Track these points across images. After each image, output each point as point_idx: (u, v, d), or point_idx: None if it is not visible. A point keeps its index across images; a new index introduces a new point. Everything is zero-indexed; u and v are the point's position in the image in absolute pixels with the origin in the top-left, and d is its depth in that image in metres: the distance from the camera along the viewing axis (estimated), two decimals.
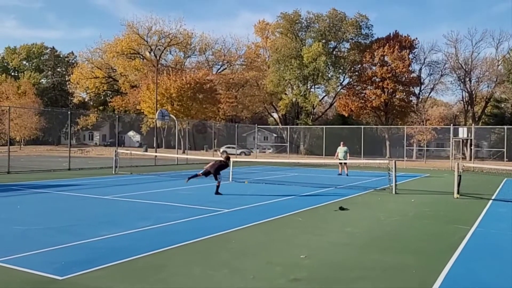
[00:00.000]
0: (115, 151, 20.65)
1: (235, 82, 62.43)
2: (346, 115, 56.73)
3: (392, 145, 52.51)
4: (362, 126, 34.88)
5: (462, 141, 31.61)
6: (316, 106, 60.60)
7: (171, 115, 31.40)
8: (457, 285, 5.08)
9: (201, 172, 13.05)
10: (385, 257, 6.23)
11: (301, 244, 6.91)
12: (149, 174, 20.56)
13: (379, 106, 53.89)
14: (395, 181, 14.04)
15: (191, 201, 11.32)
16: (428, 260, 6.05)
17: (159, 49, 50.30)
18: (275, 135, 69.99)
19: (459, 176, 13.30)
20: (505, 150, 28.15)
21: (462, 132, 27.77)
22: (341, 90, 58.62)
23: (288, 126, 50.15)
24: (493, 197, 13.44)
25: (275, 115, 72.37)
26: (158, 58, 49.03)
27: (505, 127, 31.92)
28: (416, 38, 54.03)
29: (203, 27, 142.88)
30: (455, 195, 13.16)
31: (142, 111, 50.46)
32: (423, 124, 42.35)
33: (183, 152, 48.33)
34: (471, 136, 28.08)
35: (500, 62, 58.66)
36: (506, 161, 48.60)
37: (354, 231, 8.07)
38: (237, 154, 50.58)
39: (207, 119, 52.99)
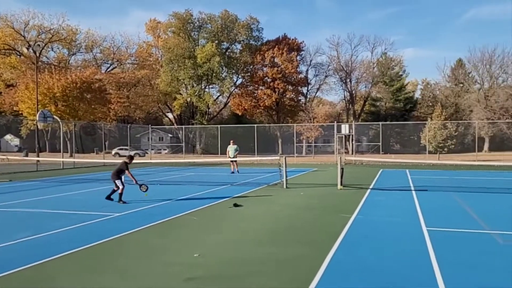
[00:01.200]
0: None
1: (126, 82, 59.95)
2: (240, 114, 58.01)
3: (284, 142, 55.02)
4: (255, 125, 35.86)
5: (345, 136, 34.27)
6: (211, 106, 60.91)
7: (55, 117, 29.00)
8: (341, 268, 5.54)
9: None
10: (278, 249, 6.53)
11: (196, 243, 6.93)
12: (32, 180, 18.81)
13: (271, 106, 56.04)
14: (286, 176, 14.76)
15: (79, 207, 10.63)
16: (317, 249, 6.49)
17: (38, 45, 46.04)
18: (170, 135, 68.79)
19: (342, 169, 14.45)
20: (380, 144, 31.16)
21: (345, 129, 30.19)
22: (235, 90, 59.71)
23: (183, 126, 49.67)
24: (371, 187, 14.83)
25: (170, 115, 71.15)
26: (38, 55, 44.87)
27: (380, 123, 35.38)
28: (303, 41, 57.41)
29: (91, 24, 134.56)
30: (339, 186, 14.28)
31: (20, 112, 45.83)
32: (311, 122, 45.07)
33: (70, 156, 45.06)
34: (352, 132, 30.64)
35: (375, 65, 64.94)
36: (382, 153, 54.12)
37: (249, 226, 8.32)
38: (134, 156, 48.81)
39: (97, 120, 50.05)
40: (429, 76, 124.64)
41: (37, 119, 25.13)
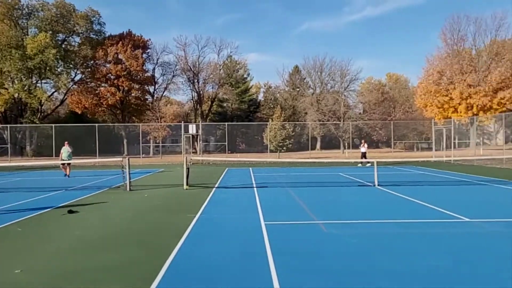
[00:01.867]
0: None
1: None
2: (79, 112, 53.61)
3: (130, 142, 52.75)
4: (97, 124, 33.56)
5: (193, 136, 34.47)
6: (44, 102, 54.81)
7: None
8: (180, 269, 5.41)
9: None
10: (115, 255, 6.11)
11: (20, 257, 6.05)
12: None
13: (115, 104, 53.14)
14: (129, 178, 14.08)
15: None
16: (157, 252, 6.25)
17: None
18: None
19: (188, 169, 14.41)
20: (226, 143, 32.19)
21: (192, 129, 30.33)
22: (73, 86, 54.89)
23: (9, 125, 43.66)
24: (216, 185, 15.13)
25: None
26: None
27: (226, 123, 36.60)
28: (150, 39, 55.75)
29: None
30: (185, 186, 14.21)
31: None
32: (158, 122, 44.18)
33: None
34: (199, 132, 30.97)
35: (221, 67, 67.00)
36: (229, 152, 56.14)
37: (84, 233, 7.62)
38: None
39: None
40: (271, 80, 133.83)
41: None
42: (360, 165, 25.56)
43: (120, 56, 51.03)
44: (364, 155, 26.21)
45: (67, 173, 19.99)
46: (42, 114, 55.34)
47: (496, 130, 64.30)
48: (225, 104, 72.14)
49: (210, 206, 10.58)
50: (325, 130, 59.00)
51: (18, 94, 49.58)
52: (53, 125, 38.15)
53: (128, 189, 13.88)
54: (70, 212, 9.84)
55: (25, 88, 48.92)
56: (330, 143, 64.09)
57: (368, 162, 24.77)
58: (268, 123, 37.40)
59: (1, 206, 11.01)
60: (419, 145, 58.04)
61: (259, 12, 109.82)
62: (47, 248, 6.65)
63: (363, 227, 8.03)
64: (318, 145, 64.43)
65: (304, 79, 71.35)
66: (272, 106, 68.41)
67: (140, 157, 30.48)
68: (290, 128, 36.26)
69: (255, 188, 14.14)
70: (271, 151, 36.10)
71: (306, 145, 59.03)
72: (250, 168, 24.09)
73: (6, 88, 49.64)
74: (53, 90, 56.89)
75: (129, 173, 14.13)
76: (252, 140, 66.75)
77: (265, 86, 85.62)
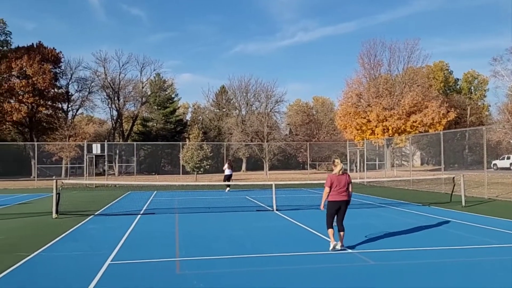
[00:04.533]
0: None
1: None
2: None
3: (40, 163, 48.28)
4: None
5: (99, 157, 31.84)
6: None
7: None
8: None
9: None
10: None
11: None
12: None
13: (21, 121, 48.60)
14: None
15: None
16: None
17: None
18: None
19: (58, 194, 12.43)
20: (134, 165, 30.03)
21: (96, 148, 27.92)
22: None
23: None
24: (96, 213, 13.24)
25: None
26: None
27: (135, 143, 34.58)
28: (61, 52, 51.87)
29: None
30: (54, 215, 12.21)
31: None
32: (67, 141, 40.84)
33: None
34: (105, 152, 28.60)
35: (145, 84, 64.48)
36: (152, 174, 53.44)
37: None
38: None
39: None
40: (200, 100, 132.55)
41: None
42: (228, 189, 22.24)
43: (26, 70, 46.74)
44: (228, 178, 23.02)
45: None
46: None
47: (413, 152, 67.69)
48: (149, 124, 69.33)
49: (63, 241, 8.82)
50: (250, 151, 58.39)
51: None
52: None
53: None
54: None
55: None
56: (256, 164, 63.52)
57: (228, 186, 22.09)
58: (185, 143, 35.73)
59: None
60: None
61: (192, 33, 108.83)
62: None
63: (229, 264, 6.74)
64: (243, 167, 63.59)
65: (231, 100, 70.79)
66: (201, 126, 66.89)
67: (35, 180, 27.39)
68: (208, 148, 34.81)
69: (138, 216, 12.47)
70: (187, 172, 34.34)
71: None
72: (155, 192, 22.25)
73: None
74: None
75: None
76: (177, 162, 64.56)
77: (193, 106, 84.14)
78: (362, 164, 35.57)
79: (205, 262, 6.93)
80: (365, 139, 40.10)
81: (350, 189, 7.59)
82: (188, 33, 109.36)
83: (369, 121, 45.59)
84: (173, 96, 70.41)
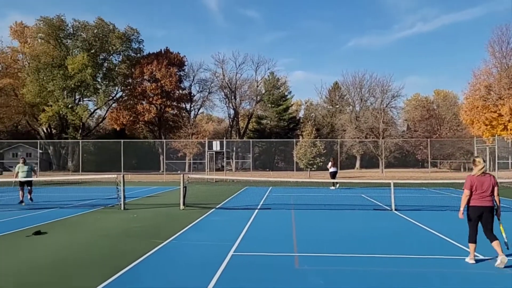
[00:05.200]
0: None
1: None
2: (118, 129, 54.66)
3: (168, 158, 52.92)
4: (122, 140, 33.57)
5: (218, 153, 33.71)
6: (86, 119, 56.56)
7: None
8: None
9: None
10: None
11: None
12: None
13: (151, 121, 53.80)
14: (124, 197, 13.34)
15: None
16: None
17: None
18: (40, 151, 62.41)
19: (185, 188, 13.49)
20: (250, 161, 31.17)
21: (215, 146, 29.62)
22: (114, 104, 56.31)
23: (51, 141, 45.08)
24: (217, 206, 14.07)
25: (44, 129, 64.60)
26: None
27: (251, 140, 35.68)
28: (185, 56, 56.16)
29: None
30: (181, 206, 13.28)
31: None
32: (190, 138, 44.04)
33: None
34: (223, 149, 30.19)
35: (259, 84, 66.59)
36: (266, 170, 55.02)
37: (17, 263, 6.76)
38: None
39: None
40: (313, 97, 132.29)
41: None
42: (332, 187, 22.44)
43: (156, 74, 51.67)
44: (333, 176, 22.77)
45: (29, 196, 15.25)
46: (85, 130, 57.04)
47: None
48: (264, 121, 71.39)
49: (190, 231, 9.56)
50: (364, 148, 56.68)
51: (61, 111, 51.32)
52: (90, 141, 38.67)
53: (122, 208, 13.14)
54: (38, 233, 9.13)
55: (69, 106, 50.60)
56: (370, 161, 61.45)
57: (336, 184, 22.35)
58: (299, 140, 36.06)
59: None
60: (466, 165, 54.26)
61: (305, 30, 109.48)
62: None
63: (347, 262, 6.67)
64: (357, 164, 61.98)
65: (344, 96, 69.43)
66: (314, 123, 66.91)
67: (163, 174, 30.09)
68: (321, 145, 34.66)
69: (256, 210, 12.96)
70: (300, 169, 34.63)
71: (345, 164, 56.96)
72: (270, 187, 22.86)
73: (50, 105, 51.50)
74: (95, 107, 58.73)
75: (124, 191, 13.38)
76: (290, 158, 65.48)
77: (306, 103, 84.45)
78: (492, 163, 32.19)
79: (323, 259, 6.93)
80: (495, 135, 36.18)
81: (495, 194, 6.46)
82: (301, 31, 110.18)
83: (500, 115, 40.95)
84: (286, 94, 71.52)
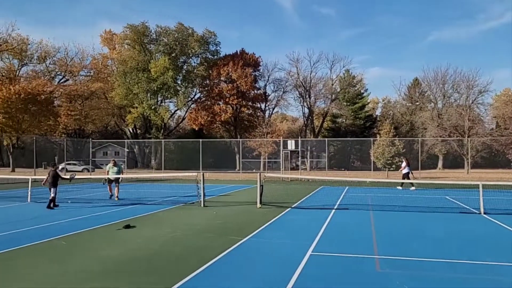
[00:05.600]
0: None
1: (78, 94, 57.87)
2: (196, 129, 56.86)
3: (243, 157, 54.13)
4: (200, 140, 34.82)
5: (292, 152, 33.69)
6: (167, 120, 59.55)
7: None
8: None
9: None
10: (112, 283, 5.61)
11: (28, 276, 5.89)
12: None
13: (228, 120, 55.25)
14: (204, 195, 13.86)
15: None
16: (157, 282, 5.61)
17: None
18: (127, 150, 66.86)
19: (261, 186, 13.69)
20: (325, 160, 30.74)
21: (290, 145, 29.68)
22: (192, 105, 58.69)
23: (136, 140, 48.12)
24: (293, 205, 14.11)
25: (131, 130, 69.28)
26: None
27: (326, 139, 35.27)
28: (260, 56, 56.98)
29: (57, 35, 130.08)
30: (258, 205, 13.51)
31: None
32: (264, 138, 44.54)
33: (12, 170, 42.69)
34: (298, 148, 30.13)
35: (334, 82, 65.48)
36: (342, 170, 54.06)
37: (112, 253, 7.34)
38: (79, 171, 46.70)
39: (44, 134, 47.92)
40: (391, 94, 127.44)
41: None
42: (413, 188, 21.45)
43: (232, 75, 53.02)
44: (406, 176, 21.77)
45: (116, 194, 16.14)
46: (167, 130, 60.11)
47: None
48: (339, 120, 70.16)
49: (268, 229, 9.71)
50: (447, 147, 53.42)
51: (145, 112, 54.58)
52: (171, 140, 40.67)
53: (202, 205, 13.68)
54: (127, 227, 9.82)
55: (152, 107, 53.68)
56: (454, 161, 57.81)
57: (402, 184, 21.51)
58: (376, 139, 34.96)
59: (76, 217, 11.56)
60: None
61: (382, 25, 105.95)
62: (62, 268, 6.43)
63: (433, 267, 6.37)
64: (439, 164, 58.60)
65: (425, 92, 65.98)
66: (392, 122, 64.50)
67: (239, 172, 30.80)
68: (400, 144, 33.27)
69: (333, 210, 12.81)
70: (378, 169, 33.53)
71: (427, 163, 54.11)
72: (346, 187, 22.42)
73: (135, 107, 55.03)
74: (175, 108, 61.65)
75: (204, 189, 13.92)
76: (367, 158, 63.63)
77: (383, 100, 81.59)
78: None
79: (407, 263, 6.68)
80: None
81: None
82: (378, 26, 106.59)
83: None
84: (362, 91, 69.66)
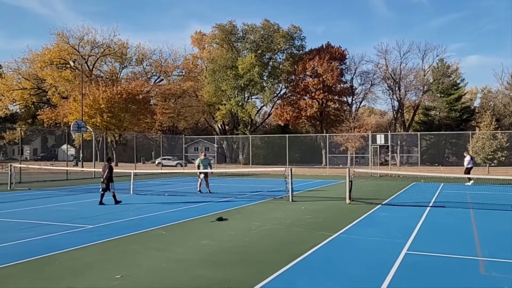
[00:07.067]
0: (10, 166, 19.28)
1: (172, 93, 61.38)
2: (282, 124, 57.26)
3: (330, 152, 53.46)
4: (287, 135, 35.00)
5: (381, 147, 32.48)
6: (254, 116, 60.76)
7: (88, 127, 30.13)
8: None
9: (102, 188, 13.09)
10: (212, 272, 5.91)
11: (134, 262, 6.43)
12: (49, 189, 19.22)
13: (313, 115, 54.85)
14: (292, 189, 13.97)
15: (61, 218, 10.50)
16: (256, 273, 5.79)
17: (84, 58, 48.02)
18: (216, 146, 69.54)
19: (351, 182, 13.44)
20: (418, 155, 29.22)
21: (379, 139, 28.65)
22: (278, 101, 59.22)
23: (223, 136, 49.83)
24: (384, 202, 13.66)
25: (218, 126, 72.02)
26: (82, 67, 47.22)
27: (418, 133, 33.45)
28: (346, 49, 55.64)
29: (152, 38, 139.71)
30: (347, 201, 13.29)
31: (70, 123, 48.24)
32: (351, 132, 43.50)
33: (115, 165, 46.61)
34: (388, 143, 28.97)
35: (427, 72, 61.79)
36: (435, 165, 51.00)
37: (208, 243, 7.72)
38: (173, 166, 49.66)
39: (143, 131, 51.64)
40: (489, 83, 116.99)
41: (71, 129, 26.12)
42: (470, 182, 20.74)
43: (317, 70, 52.50)
44: (468, 171, 21.14)
45: (208, 188, 16.72)
46: (253, 126, 61.42)
47: None
48: (432, 113, 66.13)
49: (359, 225, 9.52)
50: None
51: (233, 109, 56.26)
52: (257, 135, 41.51)
53: (290, 200, 13.81)
54: (220, 219, 10.25)
55: (239, 104, 55.19)
56: None
57: (470, 180, 20.59)
58: (475, 132, 32.41)
59: (174, 208, 12.32)
60: None
61: (480, 10, 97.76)
62: (164, 255, 6.87)
63: None
64: None
65: None
66: (493, 113, 59.36)
67: (326, 168, 30.46)
68: (503, 138, 30.48)
69: (428, 208, 12.16)
70: (477, 164, 31.04)
71: None
72: (442, 184, 21.10)
73: (224, 104, 56.96)
74: (262, 104, 62.68)
75: (292, 184, 14.01)
76: (463, 152, 59.06)
77: (482, 91, 75.28)
78: None
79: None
80: None
81: None
82: (475, 11, 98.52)
83: None
84: (458, 81, 64.78)
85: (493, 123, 34.14)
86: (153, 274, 5.81)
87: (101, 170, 13.77)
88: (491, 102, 67.94)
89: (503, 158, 30.02)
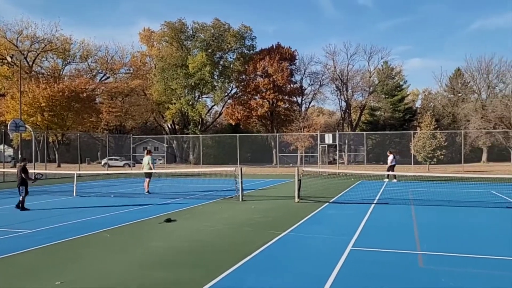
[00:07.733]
0: None
1: (119, 91, 59.57)
2: (233, 123, 57.29)
3: (280, 152, 54.06)
4: (238, 135, 35.05)
5: (330, 146, 33.38)
6: (204, 115, 60.31)
7: (27, 126, 28.61)
8: None
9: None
10: (160, 274, 5.78)
11: (74, 267, 6.16)
12: None
13: (264, 115, 55.31)
14: (242, 189, 13.99)
15: None
16: (204, 273, 5.73)
17: (22, 54, 45.34)
18: (166, 145, 68.31)
19: (299, 181, 13.66)
20: (364, 154, 30.27)
21: (328, 138, 29.39)
22: (229, 100, 59.15)
23: (174, 136, 49.08)
24: (332, 200, 14.01)
25: (169, 125, 70.75)
26: (21, 63, 44.72)
27: (364, 133, 34.60)
28: (296, 50, 56.58)
29: (97, 34, 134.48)
30: (296, 199, 13.50)
31: (7, 122, 45.46)
32: (301, 132, 44.33)
33: (58, 166, 44.61)
34: (336, 142, 29.80)
35: (372, 74, 64.15)
36: (380, 164, 53.02)
37: (157, 245, 7.57)
38: (121, 166, 48.22)
39: (87, 130, 49.74)
40: (431, 86, 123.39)
41: (8, 128, 24.65)
42: (395, 180, 22.16)
43: (268, 70, 52.98)
44: (391, 169, 22.67)
45: (146, 189, 16.54)
46: (204, 126, 60.93)
47: None
48: (377, 113, 68.73)
49: (306, 223, 9.70)
50: (492, 140, 51.29)
51: (183, 108, 55.50)
52: (209, 135, 41.20)
53: (240, 199, 13.82)
54: (168, 221, 10.06)
55: (190, 103, 54.53)
56: (500, 154, 55.41)
57: (391, 176, 21.99)
58: (416, 132, 34.04)
59: (118, 210, 11.96)
60: None
61: (422, 15, 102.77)
62: (111, 258, 6.70)
63: (479, 264, 6.17)
64: (484, 157, 56.39)
65: (468, 83, 63.50)
66: (433, 114, 62.56)
67: (277, 167, 30.81)
68: (442, 137, 32.26)
69: (372, 205, 12.62)
70: (418, 162, 32.68)
71: (470, 156, 52.19)
72: (385, 181, 21.99)
73: (173, 103, 56.07)
74: (212, 104, 62.33)
75: (242, 183, 14.04)
76: (407, 151, 61.96)
77: (423, 92, 79.25)
78: None
79: (451, 259, 6.49)
80: None
81: None
82: (418, 16, 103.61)
83: None
84: (401, 83, 67.83)
85: (432, 123, 36.02)
86: (100, 278, 5.60)
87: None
88: (431, 103, 71.66)
89: (442, 156, 31.77)
